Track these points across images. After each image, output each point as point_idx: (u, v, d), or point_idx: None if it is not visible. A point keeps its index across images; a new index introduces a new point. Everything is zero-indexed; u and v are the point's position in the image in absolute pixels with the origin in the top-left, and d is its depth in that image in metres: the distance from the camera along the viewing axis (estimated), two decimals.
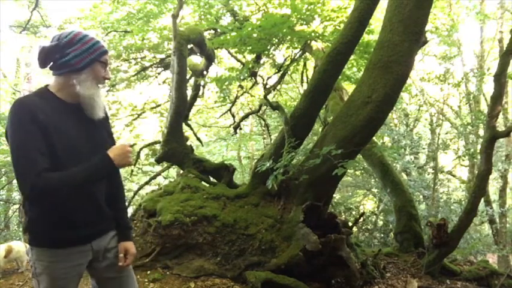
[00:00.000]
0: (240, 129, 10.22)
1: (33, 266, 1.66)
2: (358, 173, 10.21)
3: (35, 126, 1.46)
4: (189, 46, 5.86)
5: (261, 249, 4.16)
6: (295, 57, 6.38)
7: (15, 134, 1.48)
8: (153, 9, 6.70)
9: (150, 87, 8.37)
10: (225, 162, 6.04)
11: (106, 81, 1.67)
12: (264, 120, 9.11)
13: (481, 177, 4.97)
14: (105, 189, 1.75)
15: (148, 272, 4.17)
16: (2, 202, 10.57)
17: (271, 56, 6.46)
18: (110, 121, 1.85)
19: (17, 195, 10.45)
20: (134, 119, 8.44)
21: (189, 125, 7.11)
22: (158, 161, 5.67)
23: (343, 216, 8.75)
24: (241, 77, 6.47)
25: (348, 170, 7.76)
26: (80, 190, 1.58)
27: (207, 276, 4.11)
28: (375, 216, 9.42)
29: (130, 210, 6.91)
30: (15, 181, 10.05)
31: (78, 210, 1.60)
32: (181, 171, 5.66)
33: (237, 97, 8.28)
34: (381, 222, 9.25)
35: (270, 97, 7.43)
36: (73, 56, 1.58)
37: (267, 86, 6.78)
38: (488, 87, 10.07)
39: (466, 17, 11.08)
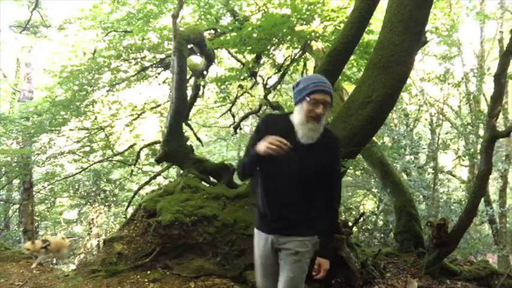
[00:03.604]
0: (240, 129, 10.22)
1: None
2: (358, 173, 10.19)
3: (257, 135, 2.13)
4: (189, 46, 5.85)
5: None
6: (295, 57, 6.38)
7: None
8: (153, 9, 6.68)
9: (150, 87, 8.36)
10: (225, 162, 6.03)
11: (321, 116, 2.04)
12: None
13: (481, 177, 4.96)
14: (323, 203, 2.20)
15: (148, 272, 4.16)
16: (2, 202, 10.57)
17: (271, 56, 6.46)
18: (336, 154, 2.24)
19: (17, 195, 10.44)
20: (134, 119, 8.44)
21: (189, 125, 7.11)
22: (158, 161, 5.66)
23: (343, 216, 8.75)
24: (241, 77, 6.48)
25: (348, 170, 7.75)
26: (267, 193, 2.16)
27: (207, 276, 4.11)
28: (375, 216, 9.40)
29: (130, 210, 6.93)
30: (15, 181, 10.05)
31: (265, 208, 2.18)
32: (181, 171, 5.66)
33: (237, 97, 8.28)
34: (381, 222, 9.24)
35: (270, 97, 7.43)
36: (294, 95, 2.17)
37: (267, 86, 6.78)
38: (488, 87, 10.03)
39: (466, 17, 11.04)
